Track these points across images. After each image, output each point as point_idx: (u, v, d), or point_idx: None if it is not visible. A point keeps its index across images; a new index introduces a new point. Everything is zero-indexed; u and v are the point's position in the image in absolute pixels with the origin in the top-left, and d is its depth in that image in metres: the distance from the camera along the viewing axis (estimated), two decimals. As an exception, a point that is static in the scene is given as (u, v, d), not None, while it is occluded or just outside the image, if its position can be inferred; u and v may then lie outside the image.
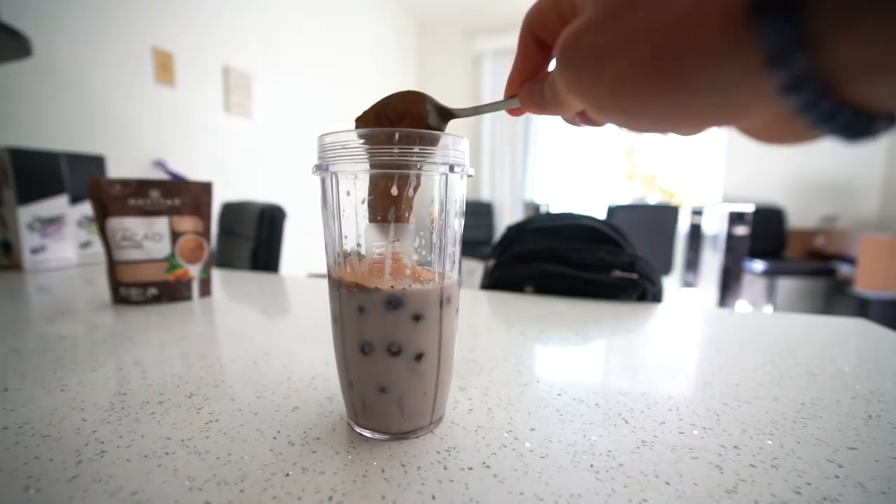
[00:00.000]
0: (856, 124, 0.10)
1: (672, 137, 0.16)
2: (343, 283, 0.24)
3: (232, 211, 1.48)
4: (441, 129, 0.25)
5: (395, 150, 0.23)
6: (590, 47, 0.14)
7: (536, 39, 0.21)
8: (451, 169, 0.24)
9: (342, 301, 0.25)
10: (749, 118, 0.13)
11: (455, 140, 0.24)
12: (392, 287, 0.24)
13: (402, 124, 0.25)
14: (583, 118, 0.22)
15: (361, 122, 0.26)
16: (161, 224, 0.59)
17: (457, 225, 0.26)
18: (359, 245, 0.25)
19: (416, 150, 0.23)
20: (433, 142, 0.23)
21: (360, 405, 0.26)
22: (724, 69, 0.11)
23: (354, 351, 0.25)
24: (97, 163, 0.97)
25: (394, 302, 0.24)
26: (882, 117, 0.10)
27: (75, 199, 0.90)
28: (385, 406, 0.25)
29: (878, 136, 0.11)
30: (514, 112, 0.24)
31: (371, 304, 0.24)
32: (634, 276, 0.62)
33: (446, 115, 0.25)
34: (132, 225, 0.58)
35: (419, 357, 0.25)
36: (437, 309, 0.25)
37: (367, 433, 0.26)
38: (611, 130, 0.22)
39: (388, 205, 0.24)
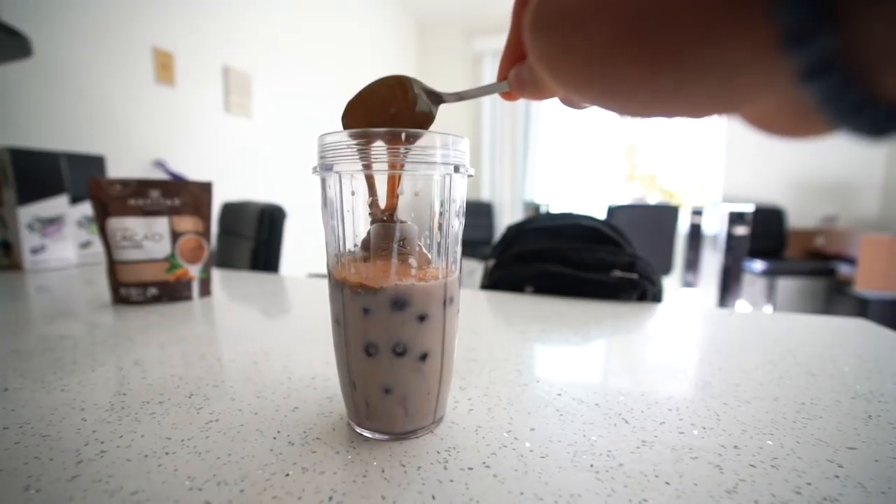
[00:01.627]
0: (888, 121, 0.08)
1: (668, 123, 0.13)
2: (347, 283, 0.24)
3: (232, 211, 1.48)
4: (432, 113, 0.24)
5: (403, 150, 0.23)
6: (560, 12, 0.12)
7: None
8: (456, 169, 0.24)
9: (346, 302, 0.25)
10: (758, 105, 0.11)
11: (455, 140, 0.24)
12: (397, 285, 0.24)
13: (388, 114, 0.24)
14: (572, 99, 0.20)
15: (349, 111, 0.25)
16: (161, 224, 0.59)
17: (457, 225, 0.26)
18: (360, 245, 0.25)
19: (424, 150, 0.23)
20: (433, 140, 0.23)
21: (364, 406, 0.26)
22: (728, 46, 0.09)
23: (358, 352, 0.25)
24: (97, 163, 0.97)
25: (399, 302, 0.24)
26: None
27: (75, 199, 0.90)
28: (389, 407, 0.25)
29: None
30: (507, 96, 0.23)
31: (376, 305, 0.24)
32: (634, 276, 0.62)
33: (436, 99, 0.24)
34: (132, 225, 0.58)
35: (424, 357, 0.25)
36: (441, 308, 0.25)
37: (367, 433, 0.26)
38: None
39: (394, 205, 0.24)
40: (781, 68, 0.09)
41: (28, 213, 0.83)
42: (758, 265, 2.73)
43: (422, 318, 0.24)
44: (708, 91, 0.10)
